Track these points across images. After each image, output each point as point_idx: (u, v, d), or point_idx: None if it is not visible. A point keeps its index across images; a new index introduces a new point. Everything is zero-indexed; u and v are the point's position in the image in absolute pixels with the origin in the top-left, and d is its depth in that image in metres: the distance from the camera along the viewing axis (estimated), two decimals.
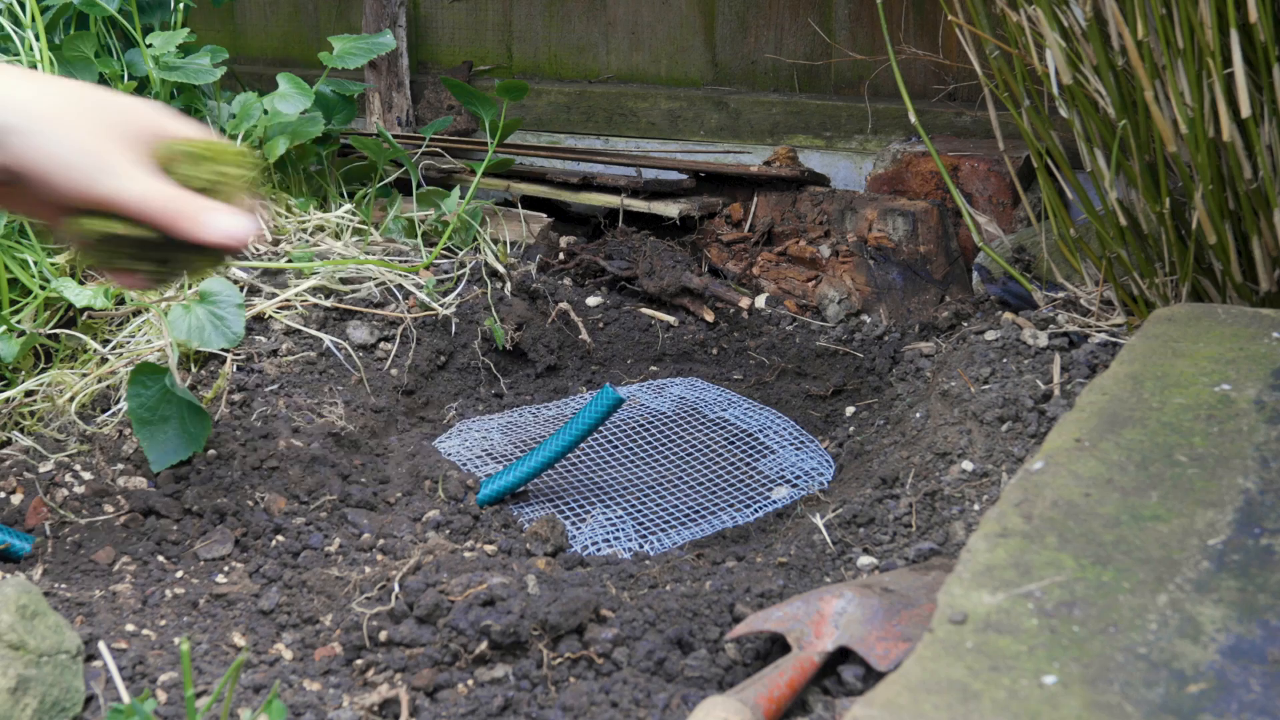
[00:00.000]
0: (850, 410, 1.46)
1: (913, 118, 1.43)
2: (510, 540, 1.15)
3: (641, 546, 1.22)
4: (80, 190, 0.90)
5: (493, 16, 2.14)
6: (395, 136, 1.92)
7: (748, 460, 1.34)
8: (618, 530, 1.24)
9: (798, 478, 1.30)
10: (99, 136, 0.90)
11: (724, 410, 1.42)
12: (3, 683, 0.85)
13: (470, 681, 0.93)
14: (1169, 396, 1.01)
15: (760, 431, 1.38)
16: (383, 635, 0.96)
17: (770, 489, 1.30)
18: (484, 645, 0.94)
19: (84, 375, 1.36)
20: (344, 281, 1.53)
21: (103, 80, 1.63)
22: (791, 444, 1.36)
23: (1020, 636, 0.74)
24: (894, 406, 1.40)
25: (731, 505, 1.28)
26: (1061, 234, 1.38)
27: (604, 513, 1.26)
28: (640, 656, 0.95)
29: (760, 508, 1.27)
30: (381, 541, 1.12)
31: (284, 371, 1.41)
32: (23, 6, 1.50)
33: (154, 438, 1.25)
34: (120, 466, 1.26)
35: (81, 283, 1.49)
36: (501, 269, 1.68)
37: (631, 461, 1.37)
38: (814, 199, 1.75)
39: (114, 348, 1.40)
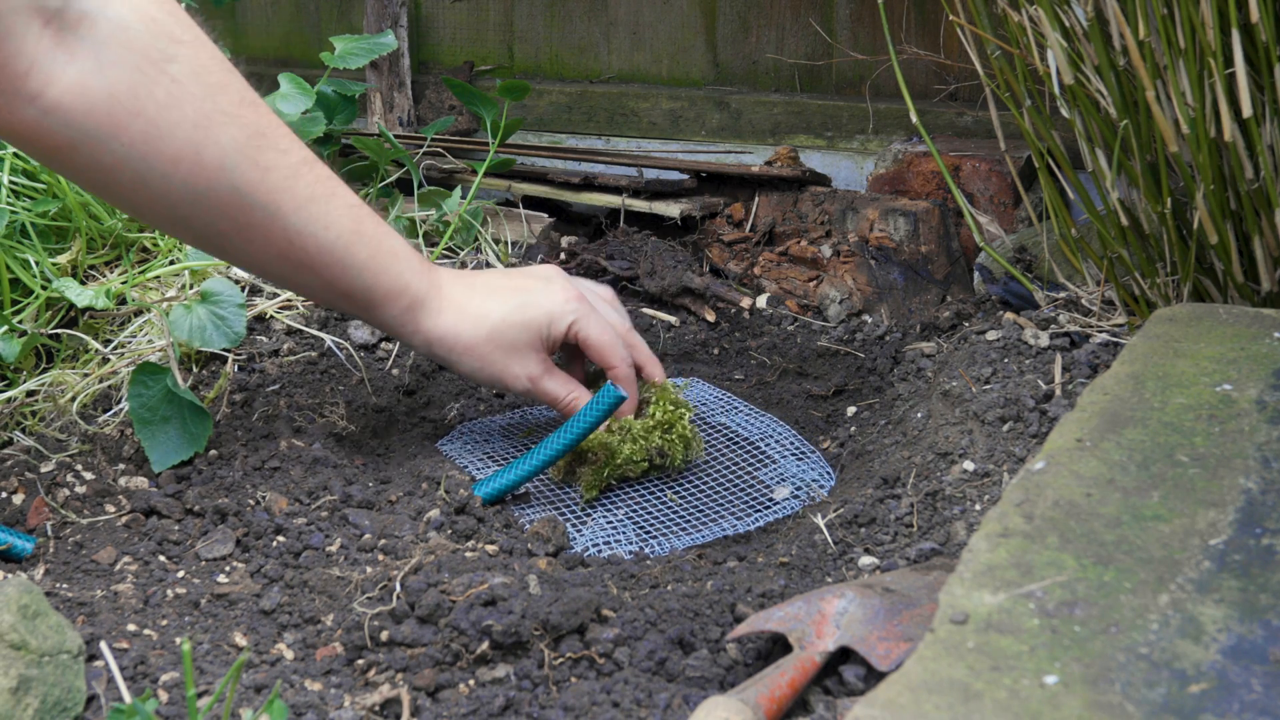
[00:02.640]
0: (851, 410, 1.46)
1: (914, 118, 1.43)
2: (512, 540, 1.15)
3: (642, 549, 1.22)
4: (490, 387, 1.41)
5: (494, 16, 2.14)
6: (397, 136, 1.92)
7: (749, 469, 1.34)
8: (619, 533, 1.24)
9: (798, 489, 1.30)
10: (504, 357, 1.25)
11: (725, 415, 1.42)
12: (4, 682, 0.85)
13: (472, 681, 0.93)
14: (1170, 396, 1.01)
15: (761, 439, 1.38)
16: (384, 635, 0.96)
17: (770, 499, 1.29)
18: (485, 645, 0.94)
19: (85, 375, 1.37)
20: None
21: None
22: (793, 454, 1.36)
23: (1021, 636, 0.74)
24: (895, 406, 1.40)
25: (732, 513, 1.27)
26: (1063, 234, 1.38)
27: (605, 515, 1.26)
28: (641, 656, 0.95)
29: (761, 517, 1.27)
30: (383, 542, 1.12)
31: (285, 371, 1.41)
32: None
33: (155, 438, 1.25)
34: (122, 466, 1.26)
35: (83, 282, 1.49)
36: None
37: None
38: (815, 199, 1.75)
39: (115, 348, 1.40)
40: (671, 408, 1.31)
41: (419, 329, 1.24)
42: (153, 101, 1.08)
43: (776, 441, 1.38)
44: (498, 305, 1.26)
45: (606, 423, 1.28)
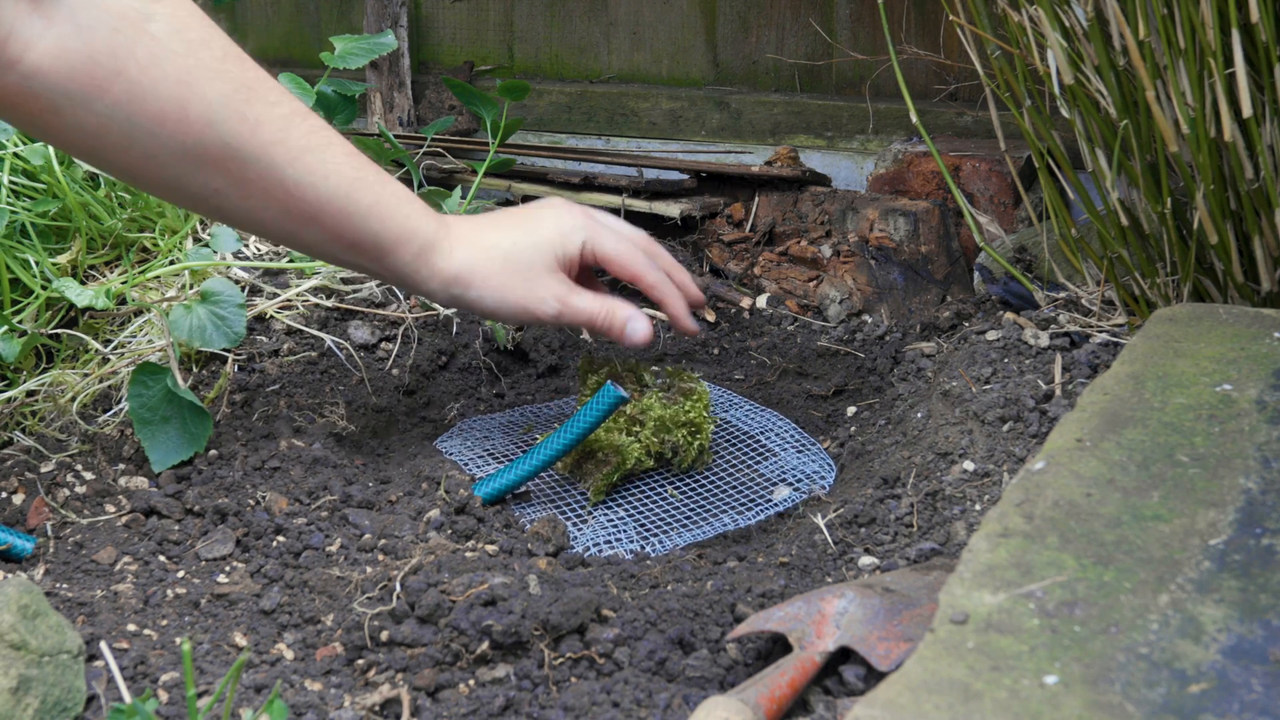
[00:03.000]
0: (851, 410, 1.46)
1: (914, 118, 1.43)
2: (512, 540, 1.15)
3: (643, 548, 1.22)
4: (519, 321, 1.28)
5: (494, 16, 2.14)
6: (397, 136, 1.92)
7: (749, 463, 1.34)
8: (619, 532, 1.24)
9: (799, 481, 1.30)
10: (524, 282, 1.22)
11: (725, 411, 1.42)
12: (4, 683, 0.85)
13: (472, 681, 0.93)
14: (1170, 396, 1.01)
15: (762, 434, 1.38)
16: (384, 635, 0.96)
17: (771, 493, 1.30)
18: (485, 645, 0.94)
19: (85, 375, 1.37)
20: (345, 281, 1.53)
21: None
22: (793, 447, 1.36)
23: (1021, 636, 0.74)
24: (895, 406, 1.40)
25: (733, 508, 1.28)
26: (1063, 234, 1.38)
27: (605, 514, 1.26)
28: (641, 656, 0.95)
29: (761, 510, 1.27)
30: (383, 541, 1.12)
31: (285, 371, 1.41)
32: None
33: (155, 438, 1.25)
34: (122, 466, 1.26)
35: (83, 282, 1.49)
36: None
37: None
38: (815, 199, 1.75)
39: (115, 348, 1.40)
40: (705, 413, 1.31)
41: (435, 271, 1.22)
42: (133, 61, 1.07)
43: (777, 435, 1.38)
44: (507, 234, 1.24)
45: (630, 406, 1.28)
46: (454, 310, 1.52)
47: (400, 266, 1.21)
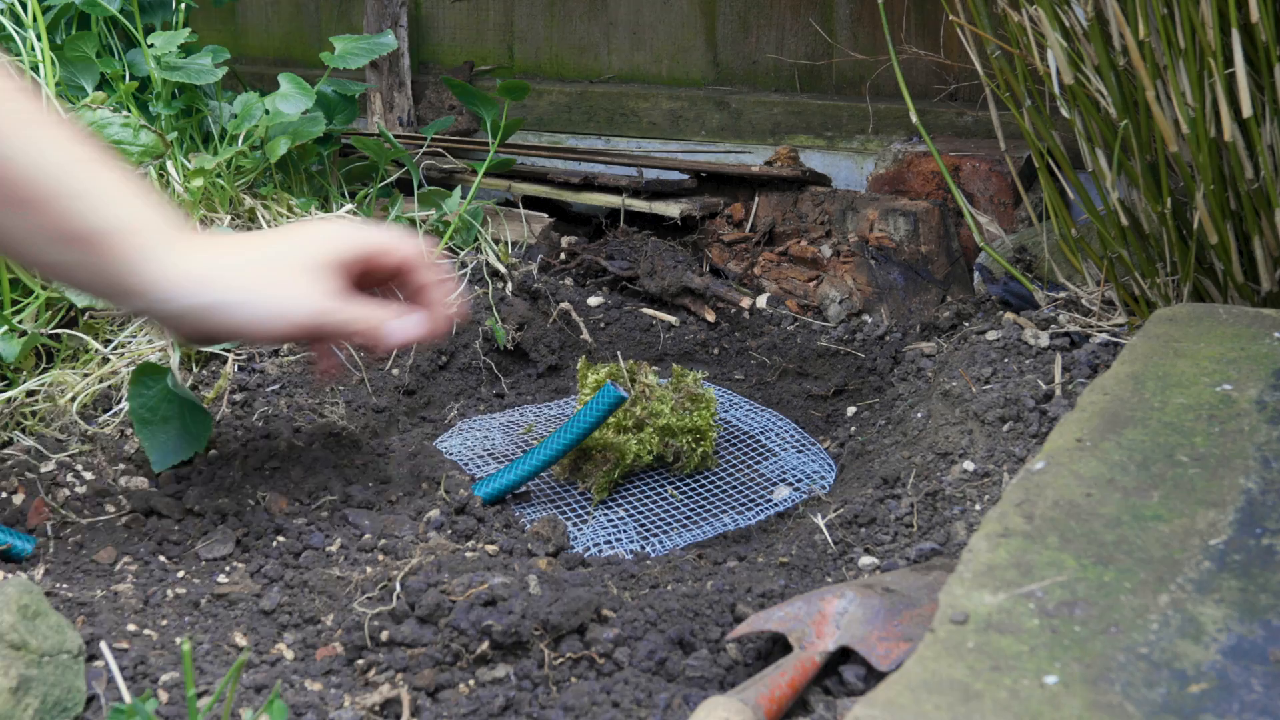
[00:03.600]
0: (851, 410, 1.46)
1: (914, 118, 1.43)
2: (512, 540, 1.15)
3: (643, 548, 1.22)
4: (269, 332, 1.05)
5: (494, 16, 2.14)
6: (397, 136, 1.92)
7: (749, 463, 1.34)
8: (620, 531, 1.24)
9: (799, 480, 1.30)
10: (276, 284, 1.04)
11: (725, 411, 1.43)
12: (4, 683, 0.85)
13: (472, 681, 0.93)
14: (1170, 396, 1.01)
15: (762, 433, 1.38)
16: (384, 635, 0.96)
17: (772, 493, 1.30)
18: (485, 645, 0.94)
19: (85, 375, 1.37)
20: None
21: (104, 80, 1.63)
22: (793, 446, 1.36)
23: (1022, 636, 0.74)
24: (895, 406, 1.40)
25: (733, 508, 1.28)
26: (1063, 234, 1.38)
27: (606, 514, 1.27)
28: (641, 656, 0.95)
29: (762, 510, 1.27)
30: (383, 541, 1.12)
31: (285, 371, 1.41)
32: (24, 6, 1.50)
33: (155, 438, 1.25)
34: (122, 466, 1.26)
35: None
36: (503, 269, 1.69)
37: None
38: (815, 199, 1.75)
39: (115, 348, 1.40)
40: (711, 420, 1.32)
41: (168, 269, 1.01)
42: None
43: (777, 435, 1.38)
44: (259, 242, 1.10)
45: (639, 408, 1.29)
46: (454, 310, 1.50)
47: (125, 263, 1.00)
